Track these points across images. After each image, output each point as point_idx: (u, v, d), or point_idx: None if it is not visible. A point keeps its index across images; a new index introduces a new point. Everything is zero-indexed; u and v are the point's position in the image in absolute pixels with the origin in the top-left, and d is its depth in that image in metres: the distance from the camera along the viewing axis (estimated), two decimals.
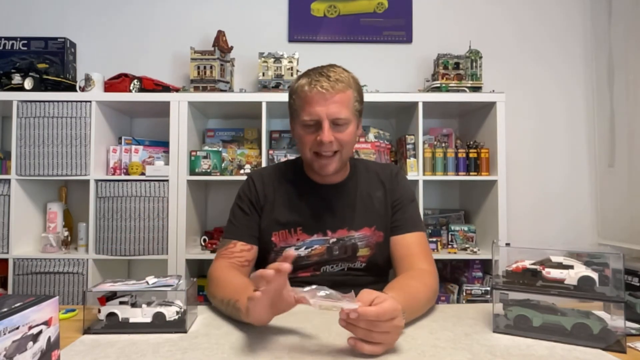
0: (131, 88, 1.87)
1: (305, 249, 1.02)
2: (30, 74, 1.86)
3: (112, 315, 0.77)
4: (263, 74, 1.96)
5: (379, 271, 1.06)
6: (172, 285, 0.80)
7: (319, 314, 0.86)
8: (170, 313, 0.78)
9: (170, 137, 1.84)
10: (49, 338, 0.55)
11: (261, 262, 1.06)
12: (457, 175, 1.90)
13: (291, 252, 0.68)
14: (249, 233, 1.04)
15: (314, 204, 1.04)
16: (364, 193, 1.06)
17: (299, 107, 0.96)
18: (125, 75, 1.90)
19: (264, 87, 1.96)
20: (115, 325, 0.77)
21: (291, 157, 1.82)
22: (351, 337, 0.66)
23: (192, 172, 1.85)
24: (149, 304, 0.79)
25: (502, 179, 1.83)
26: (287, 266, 0.64)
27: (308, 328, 0.78)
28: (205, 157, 1.86)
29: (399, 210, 1.05)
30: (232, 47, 2.02)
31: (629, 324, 0.72)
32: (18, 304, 0.52)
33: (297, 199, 1.05)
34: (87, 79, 1.88)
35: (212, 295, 0.92)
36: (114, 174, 1.89)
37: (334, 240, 1.02)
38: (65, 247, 1.91)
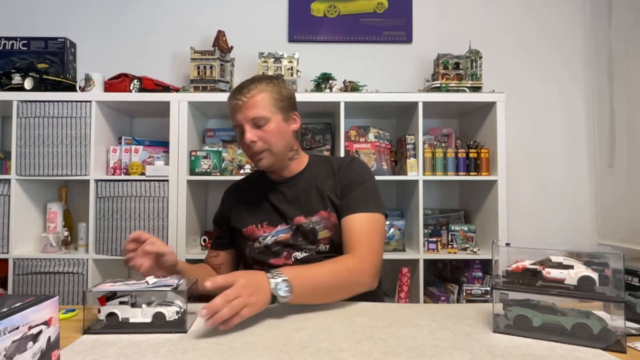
0: (131, 88, 1.87)
1: (271, 237, 1.12)
2: (30, 74, 1.86)
3: (112, 315, 0.77)
4: (263, 74, 1.95)
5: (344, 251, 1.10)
6: (172, 285, 0.80)
7: (319, 314, 0.86)
8: (170, 313, 0.78)
9: (170, 137, 1.84)
10: (49, 338, 0.55)
11: (242, 255, 1.21)
12: (457, 175, 1.90)
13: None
14: (217, 242, 1.25)
15: (274, 199, 1.15)
16: (317, 182, 1.14)
17: (231, 117, 1.12)
18: (125, 75, 1.90)
19: None
20: (115, 325, 0.77)
21: None
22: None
23: (192, 172, 1.85)
24: (149, 304, 0.79)
25: (502, 179, 1.83)
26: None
27: (308, 328, 0.78)
28: (205, 157, 1.86)
29: (347, 194, 1.10)
30: (232, 47, 2.02)
31: (629, 324, 0.72)
32: (18, 304, 0.52)
33: (261, 199, 1.17)
34: (87, 79, 1.88)
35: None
36: (114, 174, 1.89)
37: (295, 227, 1.10)
38: (65, 247, 1.91)
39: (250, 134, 1.06)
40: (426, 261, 1.86)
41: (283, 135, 1.10)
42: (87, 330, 0.76)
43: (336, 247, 1.09)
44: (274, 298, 0.82)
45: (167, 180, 1.82)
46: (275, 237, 1.12)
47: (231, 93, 1.12)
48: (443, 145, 1.95)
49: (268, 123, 1.07)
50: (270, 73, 1.95)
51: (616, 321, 0.69)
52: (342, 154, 1.87)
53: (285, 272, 0.85)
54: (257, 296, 0.78)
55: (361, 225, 1.04)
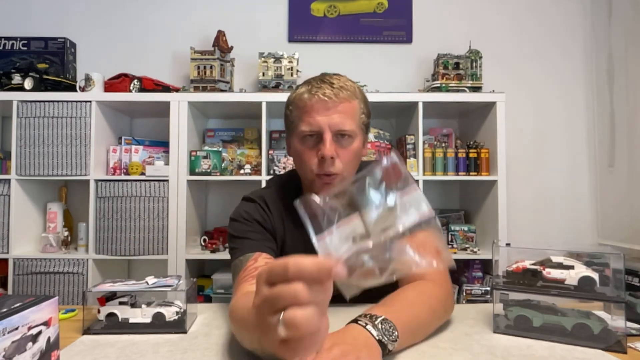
0: (131, 88, 1.87)
1: None
2: (30, 74, 1.86)
3: (111, 315, 0.77)
4: (263, 74, 1.96)
5: (391, 286, 0.93)
6: (171, 286, 0.80)
7: None
8: (170, 313, 0.77)
9: (170, 137, 1.84)
10: (49, 338, 0.55)
11: None
12: (457, 175, 1.90)
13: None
14: (269, 246, 0.86)
15: None
16: None
17: (297, 118, 0.84)
18: (125, 75, 1.90)
19: (264, 87, 1.96)
20: (115, 325, 0.77)
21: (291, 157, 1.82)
22: None
23: (192, 172, 1.85)
24: (148, 304, 0.79)
25: (502, 179, 1.83)
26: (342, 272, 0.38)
27: None
28: (205, 157, 1.86)
29: None
30: (232, 47, 2.02)
31: (630, 324, 0.72)
32: (18, 304, 0.52)
33: (305, 233, 0.90)
34: (87, 79, 1.88)
35: (236, 335, 0.67)
36: (114, 174, 1.89)
37: None
38: (65, 247, 1.91)
39: (330, 146, 0.79)
40: None
41: (357, 162, 0.87)
42: (86, 331, 0.76)
43: (384, 284, 0.93)
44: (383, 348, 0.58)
45: (167, 180, 1.82)
46: None
47: (306, 85, 0.85)
48: (443, 145, 1.95)
49: (352, 141, 0.83)
50: (270, 73, 1.95)
51: (616, 321, 0.69)
52: None
53: (377, 311, 0.63)
54: (367, 353, 0.54)
55: (424, 245, 0.87)
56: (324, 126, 0.80)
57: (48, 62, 2.03)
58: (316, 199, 0.42)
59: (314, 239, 0.41)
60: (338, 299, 0.91)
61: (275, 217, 0.91)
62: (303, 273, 0.36)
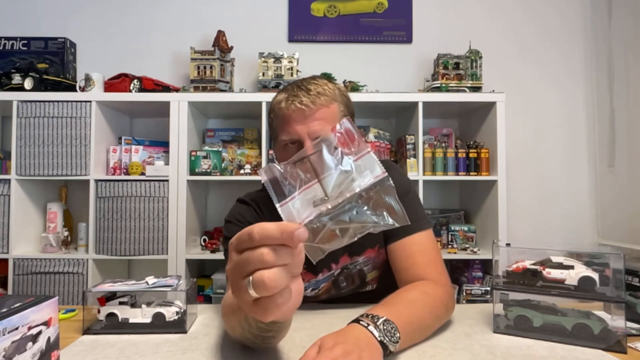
0: (131, 88, 1.87)
1: (312, 290, 0.93)
2: (30, 74, 1.86)
3: (111, 315, 0.77)
4: (263, 74, 1.96)
5: (393, 287, 0.89)
6: (171, 286, 0.80)
7: (319, 314, 0.86)
8: (170, 313, 0.77)
9: (170, 137, 1.84)
10: (49, 338, 0.55)
11: None
12: (457, 175, 1.90)
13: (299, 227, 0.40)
14: None
15: None
16: None
17: (277, 127, 0.86)
18: (125, 75, 1.90)
19: (264, 87, 1.96)
20: (115, 325, 0.77)
21: None
22: None
23: (192, 172, 1.85)
24: (148, 304, 0.79)
25: (502, 179, 1.83)
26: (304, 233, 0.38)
27: (308, 328, 0.77)
28: (205, 157, 1.86)
29: None
30: (232, 47, 2.02)
31: (630, 324, 0.72)
32: (17, 304, 0.52)
33: None
34: (87, 79, 1.88)
35: (227, 328, 0.71)
36: (114, 174, 1.89)
37: (338, 271, 0.91)
38: (65, 247, 1.91)
39: None
40: None
41: None
42: (86, 331, 0.76)
43: (384, 286, 0.93)
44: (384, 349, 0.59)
45: (167, 180, 1.82)
46: (317, 290, 0.92)
47: (284, 92, 0.85)
48: (443, 145, 1.95)
49: None
50: (270, 73, 1.95)
51: (616, 321, 0.69)
52: None
53: (378, 311, 0.64)
54: (368, 354, 0.55)
55: (422, 248, 0.85)
56: (302, 135, 0.81)
57: (48, 62, 2.03)
58: (279, 167, 0.44)
59: (277, 205, 0.43)
60: (338, 300, 0.93)
61: (268, 219, 0.90)
62: (267, 238, 0.38)
